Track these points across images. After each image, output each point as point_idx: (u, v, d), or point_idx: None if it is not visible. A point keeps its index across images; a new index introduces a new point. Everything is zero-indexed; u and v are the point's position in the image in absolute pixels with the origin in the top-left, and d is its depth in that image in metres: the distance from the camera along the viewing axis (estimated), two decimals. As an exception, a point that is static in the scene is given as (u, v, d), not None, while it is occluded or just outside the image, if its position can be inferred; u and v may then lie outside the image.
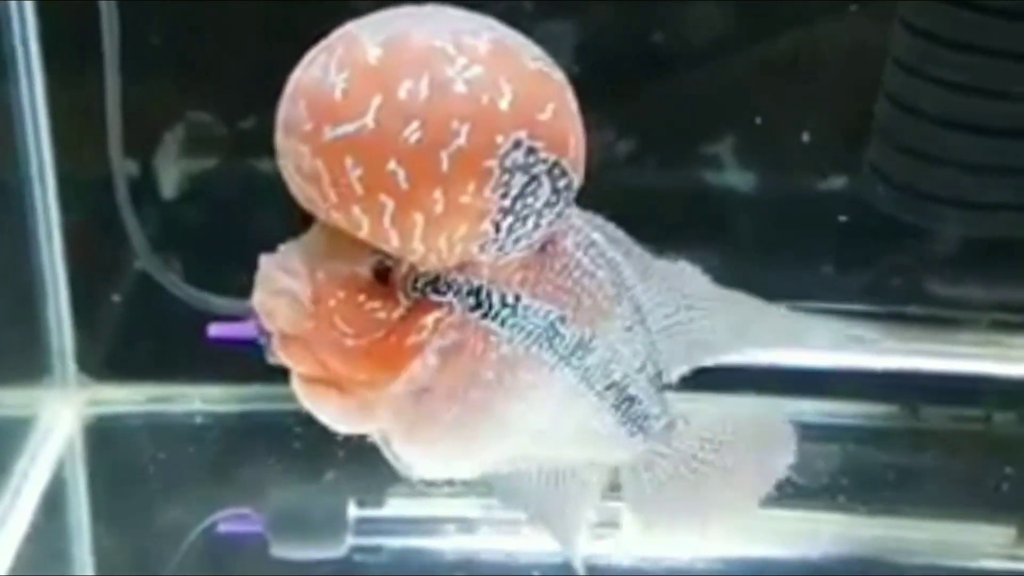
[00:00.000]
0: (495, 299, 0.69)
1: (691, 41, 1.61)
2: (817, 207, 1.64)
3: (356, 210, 0.65)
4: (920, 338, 1.64)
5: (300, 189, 0.66)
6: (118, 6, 1.33)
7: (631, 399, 0.75)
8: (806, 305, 1.57)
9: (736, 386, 1.54)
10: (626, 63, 1.48)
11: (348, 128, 0.63)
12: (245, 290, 1.42)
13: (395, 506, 1.46)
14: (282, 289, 0.68)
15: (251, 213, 1.48)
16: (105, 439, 1.57)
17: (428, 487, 0.81)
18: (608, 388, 0.73)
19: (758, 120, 1.58)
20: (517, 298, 0.70)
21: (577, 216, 0.71)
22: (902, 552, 1.44)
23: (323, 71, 0.64)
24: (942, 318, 1.64)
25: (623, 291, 0.72)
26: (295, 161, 0.65)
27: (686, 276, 0.76)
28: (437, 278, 0.69)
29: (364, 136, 0.63)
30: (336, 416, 0.72)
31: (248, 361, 1.37)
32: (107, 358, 1.60)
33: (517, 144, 0.64)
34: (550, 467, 0.79)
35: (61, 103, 1.47)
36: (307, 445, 1.47)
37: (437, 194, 0.64)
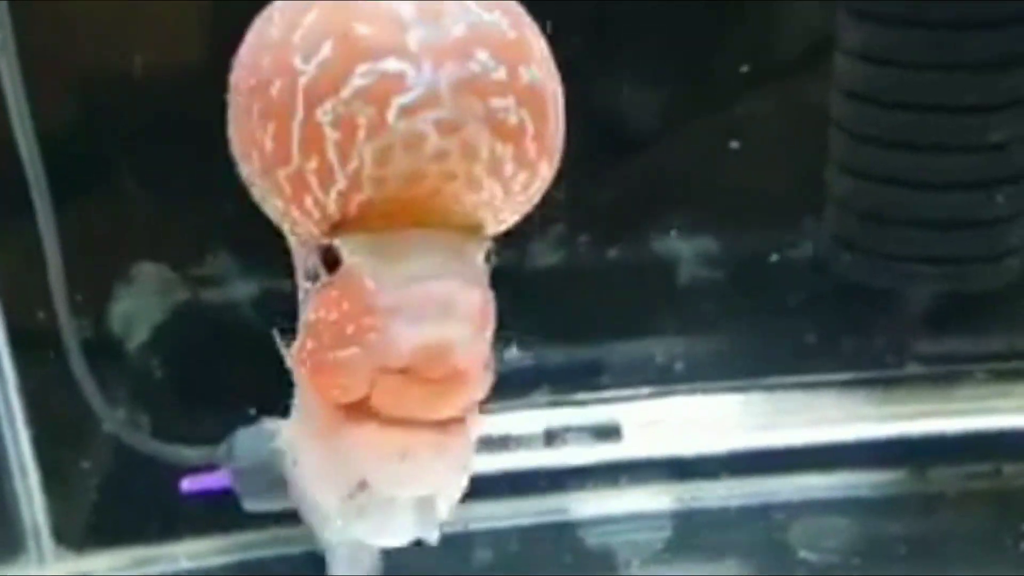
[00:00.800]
0: None
1: (636, 125, 1.61)
2: (786, 279, 1.63)
3: (544, 166, 0.57)
4: (917, 399, 1.62)
5: (462, 163, 0.53)
6: (44, 165, 1.32)
7: None
8: (794, 380, 1.61)
9: (742, 468, 1.56)
10: (575, 145, 1.48)
11: (538, 69, 0.56)
12: (215, 438, 1.42)
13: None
14: (469, 312, 0.55)
15: (212, 358, 1.46)
16: (92, 611, 1.52)
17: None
18: None
19: (715, 198, 1.58)
20: None
21: None
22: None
23: (468, 11, 0.54)
24: (936, 376, 1.64)
25: None
26: (488, 124, 0.53)
27: None
28: None
29: (546, 71, 0.56)
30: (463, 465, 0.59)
31: (227, 510, 1.33)
32: (84, 527, 1.56)
33: None
34: None
35: (3, 271, 1.45)
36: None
37: None
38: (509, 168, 0.55)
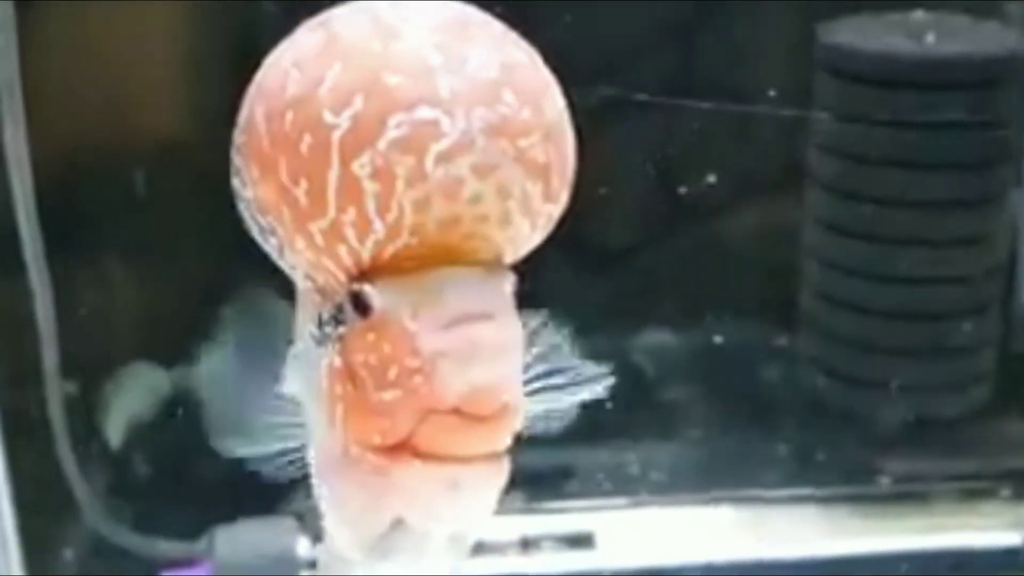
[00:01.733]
0: None
1: (614, 239, 1.64)
2: (764, 395, 1.65)
3: (564, 197, 0.57)
4: (889, 516, 1.63)
5: (496, 204, 0.54)
6: (49, 266, 1.34)
7: None
8: (768, 493, 1.62)
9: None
10: (553, 263, 1.51)
11: (556, 99, 0.56)
12: (193, 532, 1.42)
13: None
14: (514, 350, 0.55)
15: (195, 455, 1.46)
16: None
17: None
18: None
19: (692, 313, 1.61)
20: None
21: None
22: None
23: (490, 51, 0.54)
24: (908, 494, 1.64)
25: None
26: (519, 164, 0.54)
27: None
28: None
29: (558, 102, 0.57)
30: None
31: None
32: (64, 618, 1.56)
33: None
34: None
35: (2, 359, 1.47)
36: None
37: None
38: (537, 204, 0.55)
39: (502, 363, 0.54)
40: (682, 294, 1.64)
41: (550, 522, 1.54)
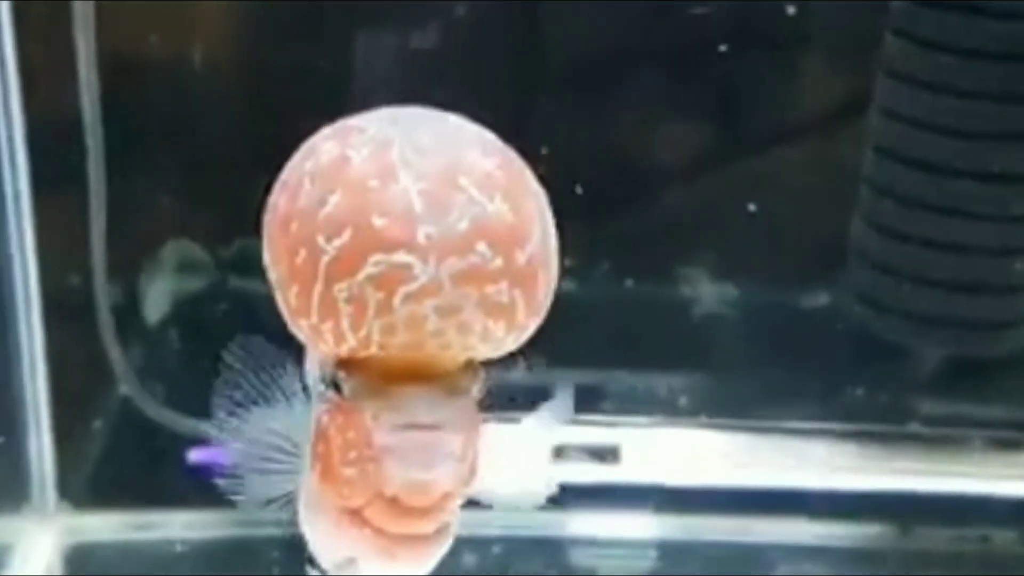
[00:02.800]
0: None
1: (664, 162, 1.63)
2: (799, 327, 1.65)
3: (533, 323, 0.62)
4: (914, 458, 1.63)
5: (457, 337, 0.61)
6: (104, 136, 1.35)
7: None
8: (796, 425, 1.62)
9: (724, 507, 1.57)
10: (602, 185, 1.50)
11: (533, 246, 0.62)
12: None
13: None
14: (452, 455, 0.63)
15: (231, 339, 1.48)
16: (84, 567, 1.55)
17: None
18: None
19: (736, 240, 1.60)
20: None
21: None
22: None
23: (473, 203, 0.60)
24: (935, 437, 1.64)
25: None
26: (482, 307, 0.60)
27: None
28: None
29: (543, 245, 0.62)
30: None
31: (229, 487, 1.36)
32: (88, 485, 1.59)
33: None
34: None
35: (47, 230, 1.48)
36: (287, 572, 1.45)
37: None
38: (500, 334, 0.61)
39: (440, 468, 0.62)
40: (727, 220, 1.62)
41: (577, 434, 1.55)
